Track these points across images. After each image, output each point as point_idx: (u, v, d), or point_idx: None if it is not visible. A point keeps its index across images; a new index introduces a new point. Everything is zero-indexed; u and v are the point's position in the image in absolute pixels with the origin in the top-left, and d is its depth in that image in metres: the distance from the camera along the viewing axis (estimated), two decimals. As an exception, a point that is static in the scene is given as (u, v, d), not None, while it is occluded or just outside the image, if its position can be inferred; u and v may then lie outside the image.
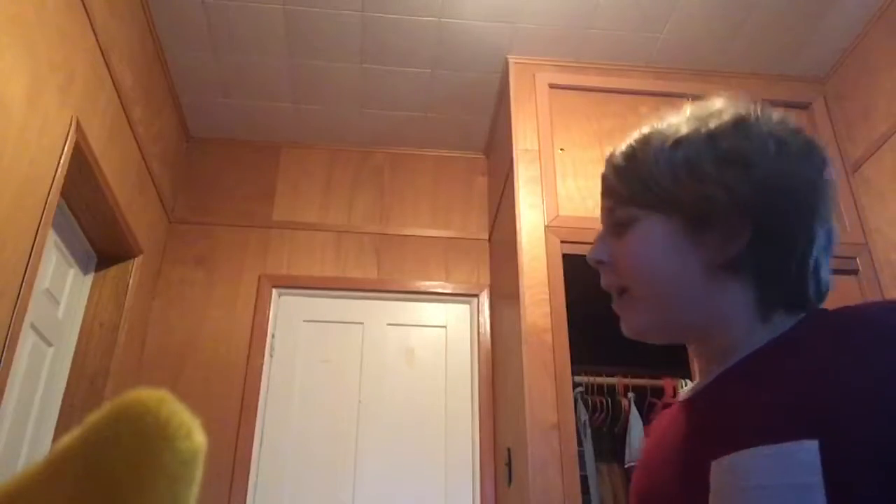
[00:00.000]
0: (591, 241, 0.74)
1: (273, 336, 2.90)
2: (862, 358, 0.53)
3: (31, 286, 1.88)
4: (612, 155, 0.74)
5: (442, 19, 2.63)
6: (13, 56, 1.71)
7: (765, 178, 0.63)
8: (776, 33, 2.68)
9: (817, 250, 0.65)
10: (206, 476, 0.33)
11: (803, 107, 2.77)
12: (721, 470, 0.55)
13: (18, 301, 1.82)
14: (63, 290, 2.42)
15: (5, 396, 1.86)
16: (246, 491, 2.59)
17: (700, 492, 0.56)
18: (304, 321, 2.96)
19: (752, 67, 2.80)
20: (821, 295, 0.67)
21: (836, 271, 2.76)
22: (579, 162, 2.57)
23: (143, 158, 2.66)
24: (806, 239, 0.64)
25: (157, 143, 2.80)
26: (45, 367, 2.34)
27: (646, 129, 0.71)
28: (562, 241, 2.37)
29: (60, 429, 2.34)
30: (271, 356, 2.87)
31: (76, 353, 2.48)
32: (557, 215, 2.43)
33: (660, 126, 0.70)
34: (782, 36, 2.69)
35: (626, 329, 0.70)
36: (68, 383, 2.43)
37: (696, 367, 0.73)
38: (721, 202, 0.63)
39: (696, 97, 2.72)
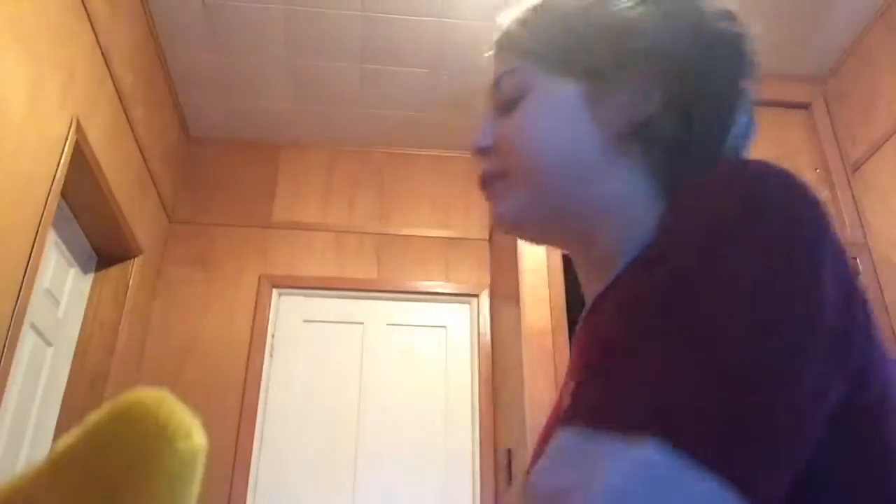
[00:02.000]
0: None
1: (273, 336, 2.90)
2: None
3: (31, 286, 1.88)
4: (511, 13, 0.62)
5: (442, 19, 2.63)
6: (14, 56, 1.71)
7: (686, 34, 0.54)
8: (776, 33, 2.68)
9: (735, 137, 0.56)
10: (206, 476, 0.33)
11: (803, 107, 2.77)
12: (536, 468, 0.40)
13: (18, 301, 1.82)
14: (63, 290, 2.42)
15: (5, 396, 1.86)
16: (246, 491, 2.59)
17: None
18: (304, 321, 2.96)
19: (752, 67, 2.80)
20: None
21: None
22: (579, 162, 2.56)
23: (143, 158, 2.66)
24: (725, 116, 0.55)
25: (157, 143, 2.80)
26: (45, 367, 2.34)
27: None
28: (562, 241, 2.37)
29: (60, 429, 2.34)
30: (271, 356, 2.87)
31: (76, 353, 2.48)
32: (557, 215, 2.43)
33: None
34: (782, 36, 2.69)
35: (500, 218, 0.58)
36: (68, 383, 2.43)
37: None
38: (633, 50, 0.54)
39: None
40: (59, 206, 2.12)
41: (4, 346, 1.78)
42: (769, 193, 0.41)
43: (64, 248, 2.40)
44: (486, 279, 3.08)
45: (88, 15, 2.10)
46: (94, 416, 0.33)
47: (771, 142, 2.69)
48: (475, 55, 2.79)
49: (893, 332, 2.30)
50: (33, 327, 2.21)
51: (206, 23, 2.64)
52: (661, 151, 0.54)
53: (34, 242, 1.89)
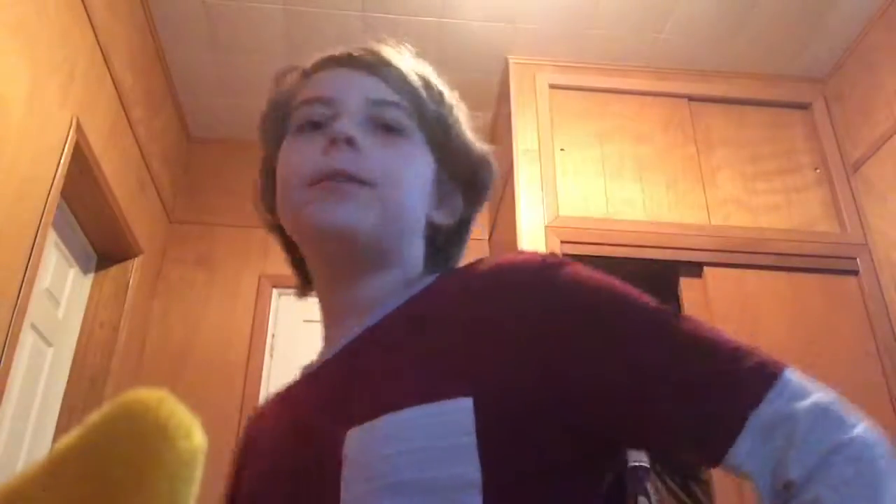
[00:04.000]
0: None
1: (273, 336, 2.90)
2: (503, 301, 0.53)
3: (31, 286, 1.88)
4: (406, 53, 0.70)
5: (442, 19, 2.63)
6: (13, 56, 1.71)
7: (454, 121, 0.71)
8: (776, 33, 2.67)
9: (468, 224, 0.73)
10: (206, 475, 0.33)
11: (803, 107, 2.77)
12: (361, 438, 0.48)
13: (18, 301, 1.82)
14: (63, 290, 2.42)
15: (5, 396, 1.86)
16: (246, 491, 2.59)
17: (333, 469, 0.48)
18: (304, 321, 2.96)
19: (752, 67, 2.80)
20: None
21: (836, 271, 2.73)
22: (579, 162, 2.56)
23: (143, 158, 2.66)
24: (472, 209, 0.72)
25: (157, 143, 2.80)
26: (45, 367, 2.34)
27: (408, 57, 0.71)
28: (562, 241, 2.37)
29: (60, 429, 2.34)
30: (271, 356, 2.87)
31: (76, 353, 2.47)
32: (557, 215, 2.43)
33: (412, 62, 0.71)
34: (782, 36, 2.69)
35: (339, 218, 0.59)
36: (68, 383, 2.43)
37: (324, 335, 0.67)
38: (450, 149, 0.69)
39: (696, 97, 2.72)
40: (59, 206, 2.12)
41: (4, 346, 1.77)
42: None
43: (64, 248, 2.40)
44: (486, 279, 3.07)
45: (88, 15, 2.10)
46: (94, 416, 0.33)
47: (771, 142, 2.69)
48: (475, 55, 2.79)
49: (894, 333, 2.30)
50: (33, 327, 2.21)
51: (206, 23, 2.64)
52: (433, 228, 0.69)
53: (34, 242, 1.89)
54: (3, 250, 1.74)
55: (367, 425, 0.48)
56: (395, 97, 0.65)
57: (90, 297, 2.57)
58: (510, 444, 0.47)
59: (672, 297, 2.35)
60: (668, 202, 2.52)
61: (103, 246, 2.58)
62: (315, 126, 0.64)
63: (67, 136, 2.02)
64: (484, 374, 0.48)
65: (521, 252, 0.58)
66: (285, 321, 2.95)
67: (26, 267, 1.85)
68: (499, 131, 3.03)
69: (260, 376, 2.78)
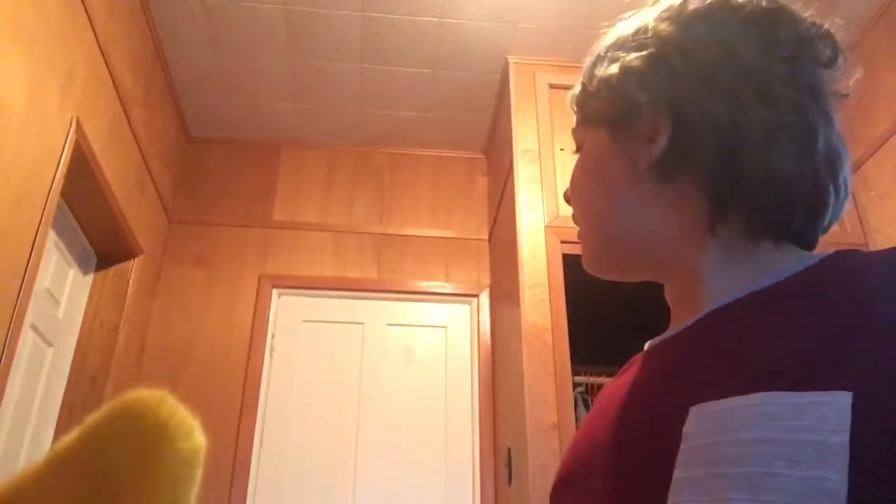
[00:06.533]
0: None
1: (273, 336, 2.90)
2: None
3: (31, 286, 1.88)
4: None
5: (442, 19, 2.63)
6: (13, 56, 1.71)
7: (681, 63, 0.55)
8: (776, 33, 2.68)
9: (800, 161, 0.52)
10: (206, 476, 0.33)
11: (803, 107, 2.77)
12: (705, 417, 0.43)
13: (18, 301, 1.82)
14: (63, 290, 2.42)
15: (5, 396, 1.86)
16: (246, 491, 2.59)
17: (668, 445, 0.43)
18: (304, 321, 2.96)
19: (752, 67, 2.80)
20: (823, 227, 0.56)
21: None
22: (579, 162, 2.56)
23: (143, 158, 2.66)
24: (762, 135, 0.52)
25: (157, 143, 2.80)
26: (45, 367, 2.34)
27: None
28: (562, 241, 2.37)
29: (60, 429, 2.34)
30: (271, 356, 2.87)
31: (76, 353, 2.48)
32: (557, 215, 2.43)
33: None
34: (782, 36, 2.69)
35: (585, 266, 0.62)
36: (68, 383, 2.43)
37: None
38: (634, 101, 0.56)
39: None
40: (59, 206, 2.12)
41: (4, 346, 1.78)
42: None
43: (64, 248, 2.40)
44: (486, 279, 3.08)
45: (88, 15, 2.10)
46: (94, 416, 0.33)
47: (771, 142, 2.69)
48: (475, 55, 2.79)
49: (893, 332, 2.30)
50: (33, 327, 2.21)
51: (206, 23, 2.64)
52: (699, 189, 0.54)
53: (34, 242, 1.89)
54: (3, 250, 1.74)
55: (713, 405, 0.42)
56: (575, 105, 0.66)
57: (90, 297, 2.57)
58: (886, 454, 0.38)
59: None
60: (668, 202, 2.52)
61: (103, 246, 2.58)
62: None
63: (67, 136, 2.02)
64: (870, 370, 0.40)
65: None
66: (285, 321, 2.95)
67: (26, 267, 1.85)
68: (498, 131, 3.03)
69: (260, 376, 2.78)
